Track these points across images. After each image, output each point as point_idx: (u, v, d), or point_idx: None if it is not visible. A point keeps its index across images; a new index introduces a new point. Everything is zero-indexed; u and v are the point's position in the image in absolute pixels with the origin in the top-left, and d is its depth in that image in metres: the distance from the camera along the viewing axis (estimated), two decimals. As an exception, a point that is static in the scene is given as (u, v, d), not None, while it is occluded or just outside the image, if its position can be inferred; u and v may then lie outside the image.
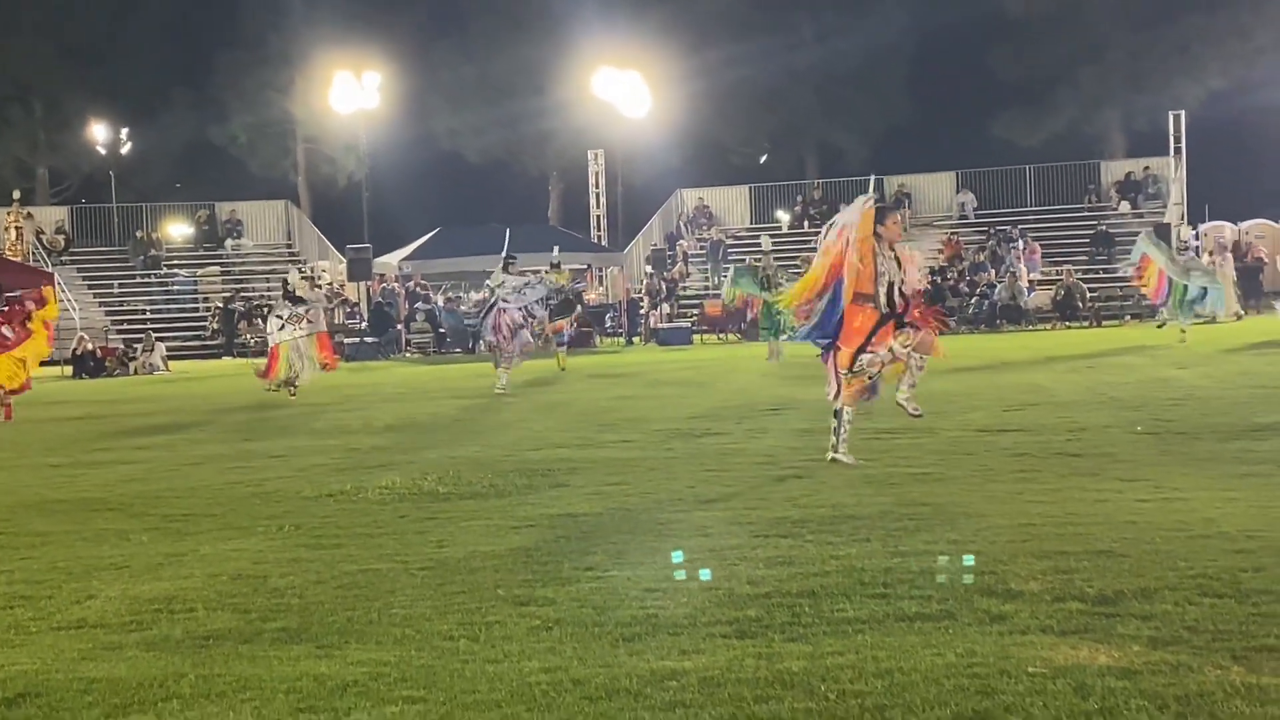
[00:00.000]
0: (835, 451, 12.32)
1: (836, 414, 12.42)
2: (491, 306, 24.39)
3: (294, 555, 8.96)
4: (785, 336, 28.36)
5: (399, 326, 43.35)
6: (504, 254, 24.87)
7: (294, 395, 23.48)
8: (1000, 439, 13.67)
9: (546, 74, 54.76)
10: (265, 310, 44.27)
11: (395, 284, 45.00)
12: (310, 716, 5.53)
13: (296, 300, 24.59)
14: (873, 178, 12.74)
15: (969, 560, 7.51)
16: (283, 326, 24.09)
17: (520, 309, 23.94)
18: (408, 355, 41.73)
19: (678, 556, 7.68)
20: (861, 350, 12.07)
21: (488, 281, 25.11)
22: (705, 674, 5.81)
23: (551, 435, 15.97)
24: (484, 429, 17.22)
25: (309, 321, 24.19)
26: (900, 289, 12.14)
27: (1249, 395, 16.85)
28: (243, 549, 9.28)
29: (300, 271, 42.92)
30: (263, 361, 25.65)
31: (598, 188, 51.49)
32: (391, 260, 45.60)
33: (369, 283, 45.54)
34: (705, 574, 7.51)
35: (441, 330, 43.39)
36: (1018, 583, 7.18)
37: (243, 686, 5.94)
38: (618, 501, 10.69)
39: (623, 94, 50.00)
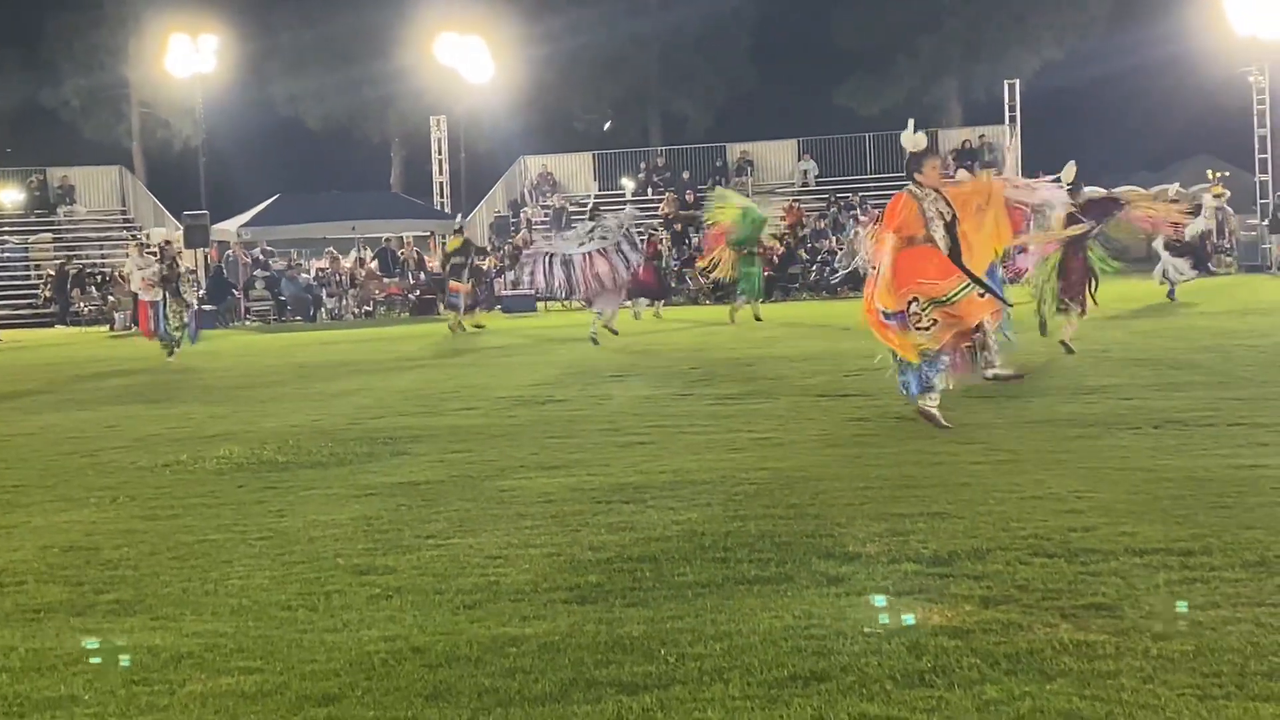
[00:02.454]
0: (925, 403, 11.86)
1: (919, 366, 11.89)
2: (560, 258, 24.51)
3: (128, 526, 8.81)
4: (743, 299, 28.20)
5: (237, 294, 42.71)
6: (591, 205, 25.75)
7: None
8: (839, 404, 13.84)
9: (387, 39, 54.11)
10: (102, 276, 43.67)
11: (238, 250, 44.28)
12: (144, 689, 5.45)
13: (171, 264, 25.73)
14: (911, 121, 12.50)
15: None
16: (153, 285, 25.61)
17: (608, 254, 24.00)
18: (247, 323, 41.17)
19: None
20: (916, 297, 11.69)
21: (571, 233, 25.46)
22: (546, 640, 5.82)
23: (394, 403, 15.86)
24: (325, 397, 17.05)
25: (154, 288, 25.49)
26: (957, 229, 11.82)
27: (1079, 360, 17.19)
28: (75, 521, 9.11)
29: (136, 240, 42.32)
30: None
31: (440, 154, 51.08)
32: (230, 227, 44.89)
33: (206, 250, 44.79)
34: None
35: (282, 298, 42.85)
36: (855, 545, 7.29)
37: (75, 660, 5.84)
38: (460, 469, 10.66)
39: (465, 60, 49.63)
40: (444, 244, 35.57)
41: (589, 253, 23.84)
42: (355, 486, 10.01)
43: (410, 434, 12.83)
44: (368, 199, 50.27)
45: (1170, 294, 28.34)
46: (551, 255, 24.41)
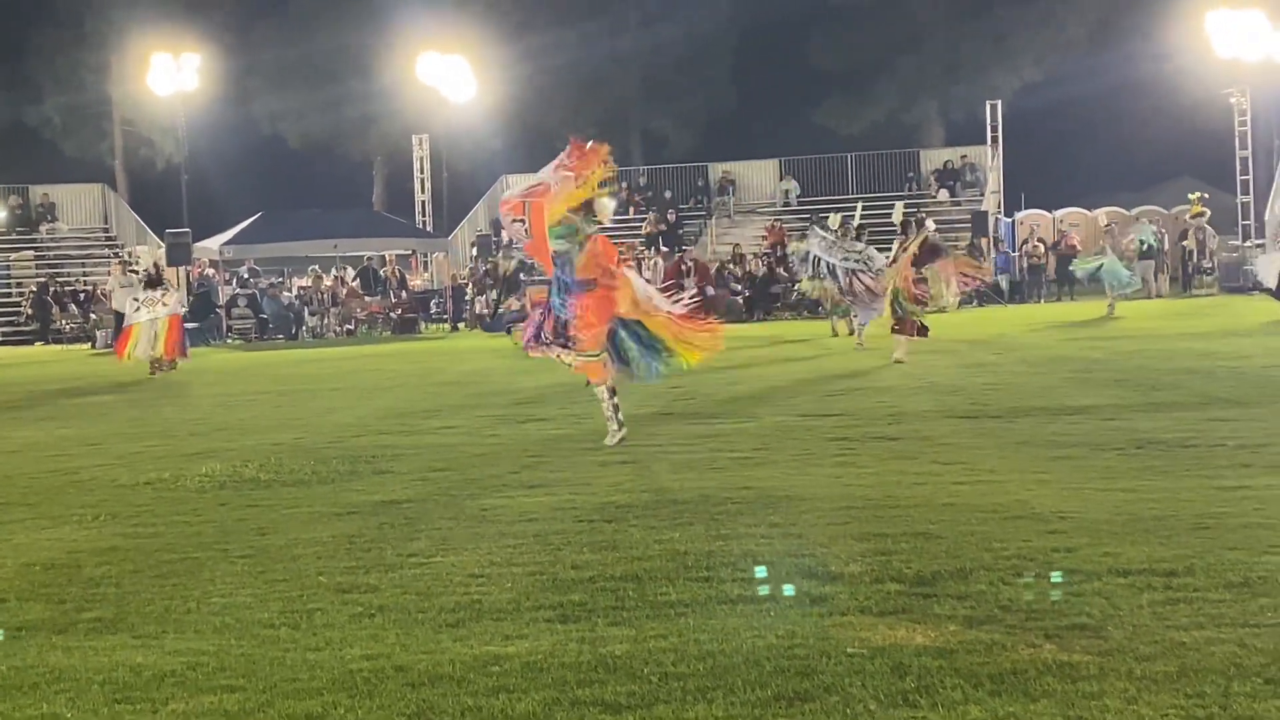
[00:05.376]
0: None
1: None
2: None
3: (110, 544, 8.78)
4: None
5: (220, 312, 42.62)
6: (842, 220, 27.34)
7: (174, 369, 24.91)
8: (822, 423, 13.84)
9: (369, 57, 54.21)
10: (84, 294, 43.57)
11: (207, 266, 44.26)
12: (127, 707, 5.43)
13: (154, 283, 25.82)
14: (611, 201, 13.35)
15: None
16: (138, 309, 25.32)
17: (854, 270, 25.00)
18: (229, 341, 41.08)
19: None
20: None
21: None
22: (529, 659, 5.81)
23: (375, 421, 15.83)
24: (306, 415, 17.02)
25: (164, 305, 25.23)
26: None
27: (1061, 379, 17.26)
28: (57, 538, 9.07)
29: (119, 257, 42.28)
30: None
31: (422, 173, 51.12)
32: (212, 245, 44.80)
33: (189, 268, 44.73)
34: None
35: (263, 316, 42.78)
36: (838, 565, 7.28)
37: (57, 678, 5.82)
38: (442, 487, 10.64)
39: (447, 79, 49.69)
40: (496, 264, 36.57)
41: (850, 270, 24.86)
42: (337, 505, 9.98)
43: (392, 452, 12.81)
44: (349, 217, 50.17)
45: None
46: (818, 257, 25.65)
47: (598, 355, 12.48)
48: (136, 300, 25.66)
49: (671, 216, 48.77)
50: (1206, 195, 45.60)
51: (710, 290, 37.06)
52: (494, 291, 37.57)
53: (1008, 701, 5.10)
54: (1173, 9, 47.11)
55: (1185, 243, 44.24)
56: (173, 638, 6.45)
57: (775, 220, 48.61)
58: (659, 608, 6.59)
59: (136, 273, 31.41)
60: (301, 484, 11.15)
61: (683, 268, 36.00)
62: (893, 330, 21.31)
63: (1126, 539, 7.66)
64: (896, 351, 20.86)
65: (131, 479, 11.73)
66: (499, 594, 6.99)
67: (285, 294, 44.22)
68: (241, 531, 9.05)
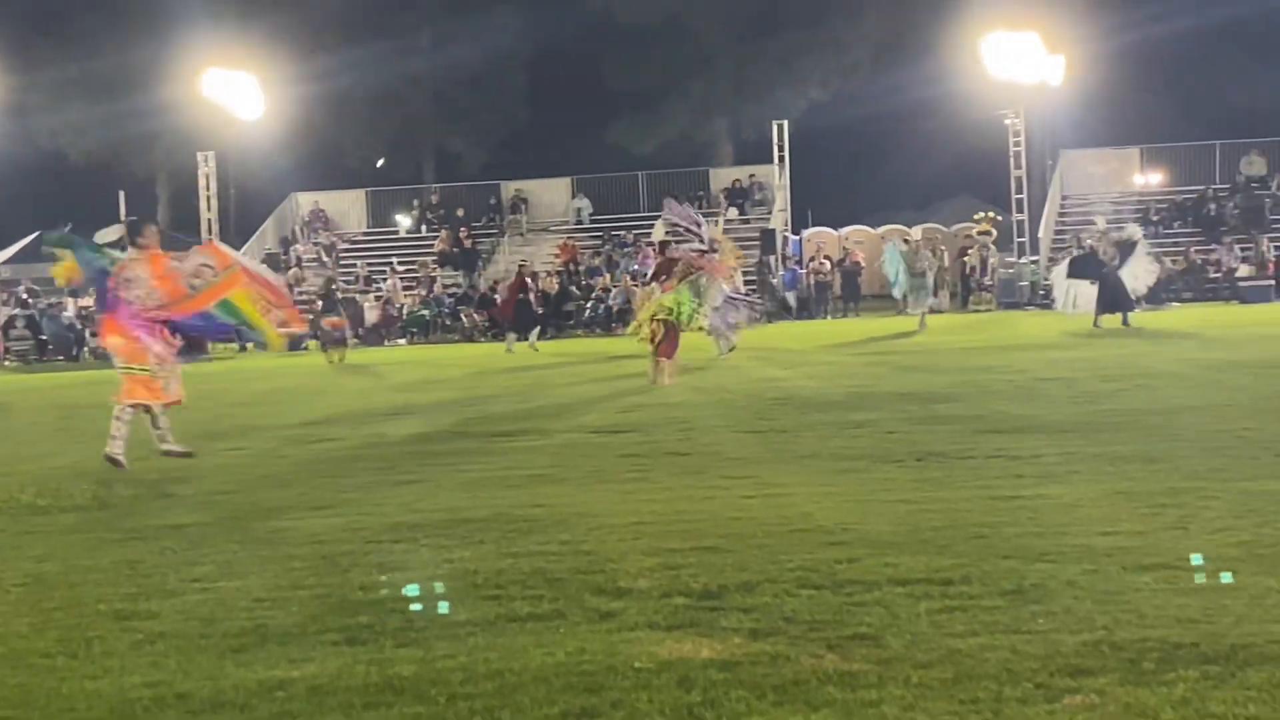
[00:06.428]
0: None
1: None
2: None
3: (-123, 575, 8.47)
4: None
5: (-4, 333, 41.47)
6: None
7: None
8: (613, 440, 13.90)
9: (152, 74, 53.11)
10: None
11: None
12: (-107, 744, 5.26)
13: None
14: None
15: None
16: None
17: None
18: (6, 364, 39.91)
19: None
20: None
21: None
22: (314, 683, 5.75)
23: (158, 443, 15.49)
24: (87, 438, 16.58)
25: None
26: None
27: (846, 394, 17.56)
28: None
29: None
30: None
31: (209, 190, 50.29)
32: (-13, 264, 43.55)
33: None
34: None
35: (43, 337, 41.67)
36: (627, 580, 7.33)
37: None
38: (228, 510, 10.46)
39: (234, 95, 48.95)
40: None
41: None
42: (118, 530, 9.75)
43: (176, 475, 12.57)
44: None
45: (1096, 322, 29.04)
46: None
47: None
48: None
49: (463, 234, 48.65)
50: (999, 217, 46.97)
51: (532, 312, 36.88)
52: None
53: (790, 712, 5.18)
54: (951, 33, 48.35)
55: (966, 258, 45.48)
56: (-57, 670, 6.26)
57: (567, 238, 48.80)
58: (448, 628, 6.57)
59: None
60: (81, 509, 10.87)
61: (526, 281, 35.78)
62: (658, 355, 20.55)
63: (906, 549, 7.82)
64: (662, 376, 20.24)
65: (-100, 507, 11.34)
66: (285, 618, 6.90)
67: (65, 314, 43.12)
68: (17, 559, 8.80)
